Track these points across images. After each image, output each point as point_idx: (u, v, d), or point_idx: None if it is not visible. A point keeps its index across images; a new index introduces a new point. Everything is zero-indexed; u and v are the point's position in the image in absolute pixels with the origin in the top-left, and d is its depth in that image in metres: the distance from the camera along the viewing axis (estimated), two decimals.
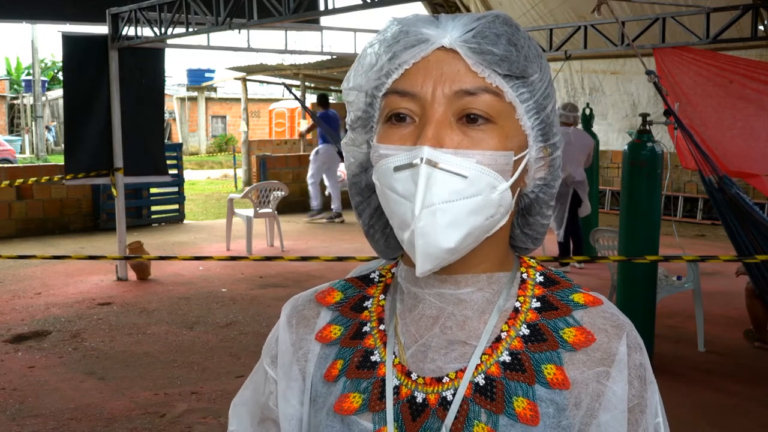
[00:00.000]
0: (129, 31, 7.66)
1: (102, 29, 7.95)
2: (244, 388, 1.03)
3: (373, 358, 0.90)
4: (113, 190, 8.03)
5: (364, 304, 0.95)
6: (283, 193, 9.74)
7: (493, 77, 0.81)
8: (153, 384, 4.92)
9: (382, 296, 0.95)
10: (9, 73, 36.48)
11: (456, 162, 0.79)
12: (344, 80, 0.90)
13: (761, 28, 8.77)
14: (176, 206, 12.15)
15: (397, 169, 0.81)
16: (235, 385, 4.79)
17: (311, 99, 26.35)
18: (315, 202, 12.07)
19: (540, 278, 0.92)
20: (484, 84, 0.81)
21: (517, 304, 0.89)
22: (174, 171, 12.09)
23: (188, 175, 17.70)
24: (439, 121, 0.80)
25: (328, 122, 11.10)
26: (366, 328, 0.93)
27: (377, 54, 0.85)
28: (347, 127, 0.92)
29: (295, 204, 12.80)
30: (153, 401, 4.63)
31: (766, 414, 4.50)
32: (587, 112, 8.86)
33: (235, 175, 19.56)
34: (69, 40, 7.76)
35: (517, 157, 0.84)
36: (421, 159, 0.78)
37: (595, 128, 9.01)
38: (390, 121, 0.84)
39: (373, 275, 0.99)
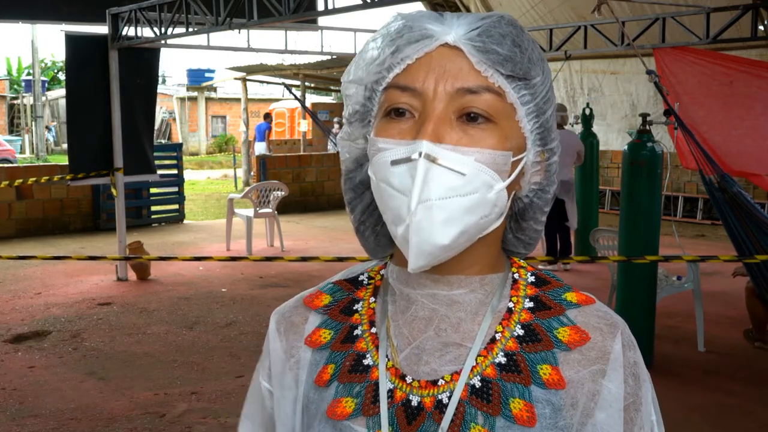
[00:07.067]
0: (129, 31, 7.66)
1: (101, 29, 7.95)
2: (247, 401, 1.02)
3: (365, 362, 0.89)
4: (113, 190, 8.04)
5: (354, 307, 0.94)
6: (283, 193, 9.74)
7: (496, 77, 0.81)
8: (153, 384, 4.92)
9: (372, 299, 0.94)
10: (9, 73, 36.46)
11: (455, 158, 0.78)
12: (344, 73, 0.89)
13: (761, 28, 8.77)
14: (176, 206, 12.14)
15: (394, 162, 0.80)
16: (234, 385, 4.80)
17: (311, 99, 26.40)
18: None
19: (531, 278, 0.91)
20: (487, 83, 0.80)
21: (511, 305, 0.88)
22: (174, 171, 12.12)
23: (188, 175, 17.70)
24: (439, 117, 0.79)
25: None
26: (357, 332, 0.91)
27: (379, 48, 0.84)
28: (344, 120, 0.91)
29: (295, 204, 12.80)
30: (153, 401, 4.63)
31: (767, 414, 4.50)
32: (587, 112, 8.86)
33: (235, 175, 19.56)
34: (72, 40, 7.76)
35: (515, 159, 0.83)
36: (420, 153, 0.78)
37: (594, 128, 9.01)
38: (389, 116, 0.83)
39: (361, 277, 0.97)
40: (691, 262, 5.47)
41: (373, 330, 0.91)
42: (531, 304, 0.88)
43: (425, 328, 0.87)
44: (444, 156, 0.78)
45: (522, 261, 0.94)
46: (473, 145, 0.80)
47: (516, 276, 0.91)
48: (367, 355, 0.89)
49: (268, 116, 19.74)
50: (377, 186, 0.83)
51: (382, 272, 0.96)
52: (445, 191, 0.78)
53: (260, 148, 18.34)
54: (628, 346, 0.86)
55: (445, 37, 0.81)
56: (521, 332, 0.86)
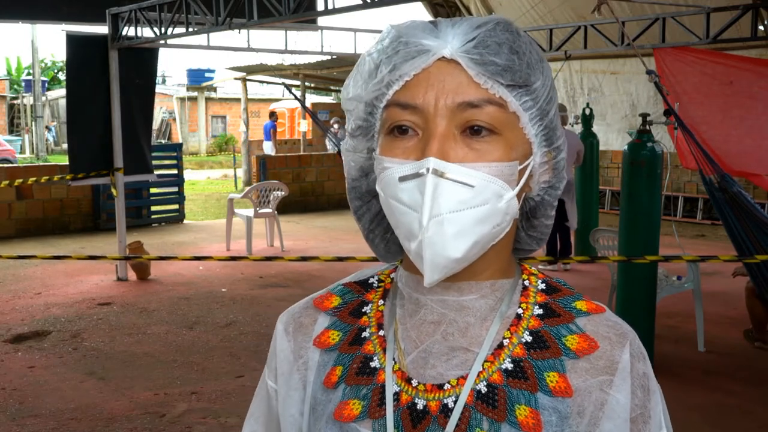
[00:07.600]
0: (129, 31, 7.66)
1: (101, 29, 7.96)
2: (254, 399, 1.03)
3: (372, 364, 0.89)
4: (113, 190, 8.04)
5: (363, 310, 0.94)
6: (283, 193, 9.75)
7: (496, 88, 0.80)
8: (153, 384, 4.92)
9: (381, 301, 0.94)
10: (9, 73, 36.45)
11: (462, 171, 0.79)
12: (343, 88, 0.89)
13: (761, 28, 8.77)
14: (176, 206, 12.14)
15: (402, 179, 0.80)
16: (234, 385, 4.79)
17: (311, 99, 26.40)
18: None
19: (542, 285, 0.91)
20: (488, 95, 0.80)
21: (520, 311, 0.88)
22: (174, 171, 12.13)
23: (188, 175, 17.70)
24: (443, 134, 0.79)
25: None
26: (365, 334, 0.92)
27: (376, 63, 0.84)
28: (347, 134, 0.91)
29: (295, 204, 12.80)
30: (153, 401, 4.63)
31: (767, 414, 4.50)
32: (587, 112, 8.86)
33: (235, 175, 19.56)
34: (72, 40, 7.77)
35: (522, 166, 0.83)
36: (428, 169, 0.78)
37: (594, 128, 9.01)
38: (392, 133, 0.83)
39: (371, 280, 0.97)
40: (691, 262, 5.47)
41: (381, 333, 0.91)
42: (540, 311, 0.88)
43: (433, 332, 0.87)
44: (452, 169, 0.78)
45: (533, 268, 0.94)
46: (479, 160, 0.80)
47: (526, 283, 0.91)
48: (375, 358, 0.89)
49: (273, 115, 20.49)
50: (387, 202, 0.83)
51: (392, 275, 0.97)
52: (455, 204, 0.78)
53: (266, 147, 19.33)
54: (637, 357, 0.85)
55: (442, 51, 0.80)
56: (529, 339, 0.86)
